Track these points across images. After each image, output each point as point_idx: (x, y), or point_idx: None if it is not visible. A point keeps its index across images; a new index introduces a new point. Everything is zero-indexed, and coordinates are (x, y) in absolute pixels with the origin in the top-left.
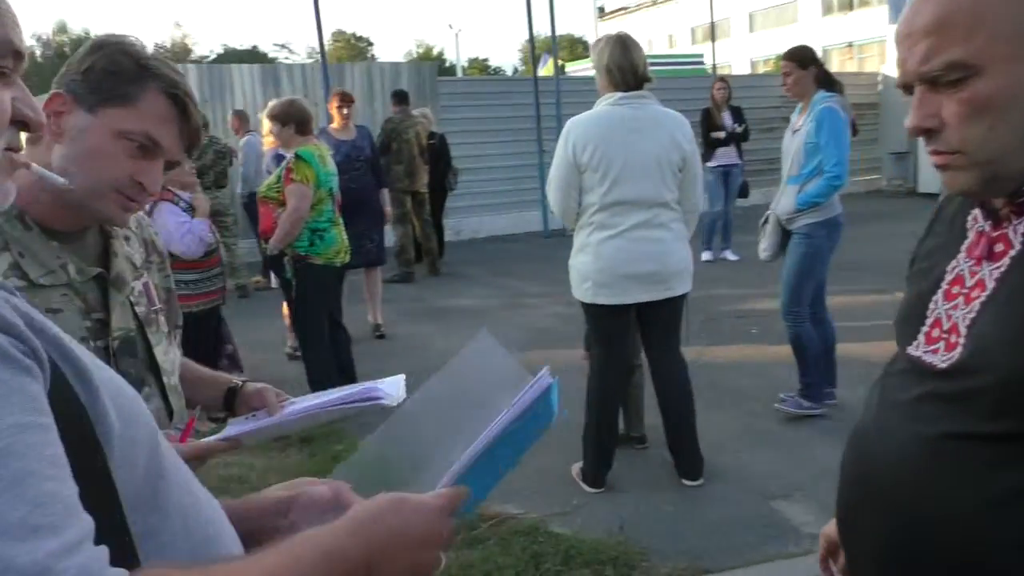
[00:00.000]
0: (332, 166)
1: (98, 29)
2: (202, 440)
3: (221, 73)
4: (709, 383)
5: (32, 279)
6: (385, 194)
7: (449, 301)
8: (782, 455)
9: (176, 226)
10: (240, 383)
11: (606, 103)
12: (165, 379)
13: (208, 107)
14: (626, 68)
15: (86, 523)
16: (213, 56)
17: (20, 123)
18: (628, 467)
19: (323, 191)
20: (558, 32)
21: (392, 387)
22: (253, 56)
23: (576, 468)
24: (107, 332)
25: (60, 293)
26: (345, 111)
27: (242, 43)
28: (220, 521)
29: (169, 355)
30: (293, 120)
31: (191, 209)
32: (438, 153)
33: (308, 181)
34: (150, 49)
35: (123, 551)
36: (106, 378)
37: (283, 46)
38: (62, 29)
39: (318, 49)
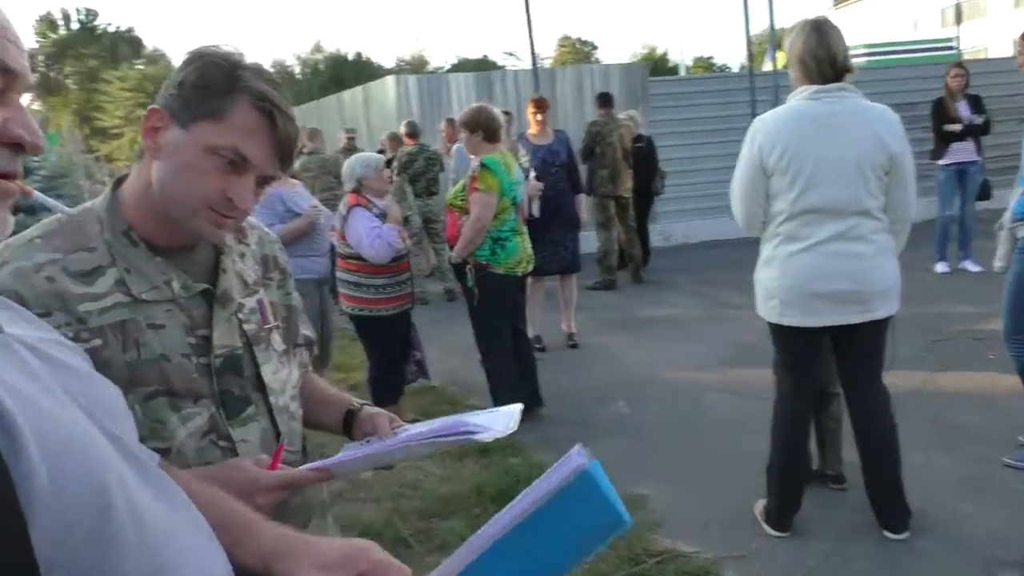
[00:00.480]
0: (518, 175)
1: (349, 47)
2: (293, 469)
3: (438, 83)
4: (931, 417)
5: (135, 295)
6: (582, 199)
7: (649, 310)
8: (1014, 513)
9: (367, 231)
10: (359, 406)
11: (798, 98)
12: (272, 399)
13: (426, 116)
14: (822, 58)
15: None
16: (447, 67)
17: (16, 146)
18: (820, 510)
19: (507, 200)
20: (787, 24)
21: (500, 419)
22: (482, 65)
23: (759, 506)
24: (210, 349)
25: (164, 309)
26: (540, 116)
27: (473, 53)
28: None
29: (280, 374)
30: (481, 127)
31: (383, 215)
32: (645, 156)
33: (492, 190)
34: (296, 60)
35: None
36: (47, 426)
37: (511, 54)
38: (317, 48)
39: (541, 56)
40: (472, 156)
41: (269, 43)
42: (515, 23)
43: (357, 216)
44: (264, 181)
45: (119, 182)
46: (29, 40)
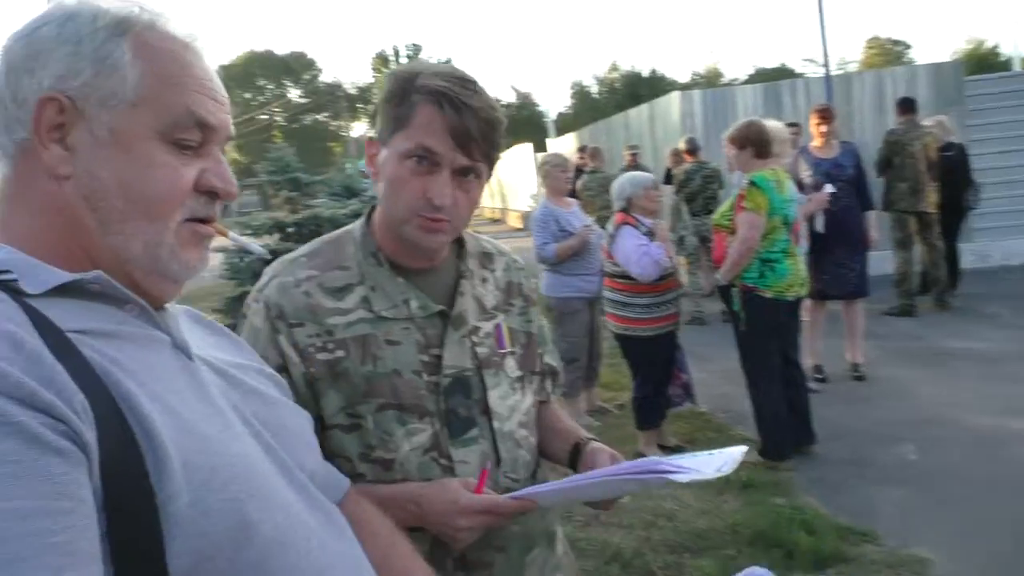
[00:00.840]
0: (791, 192)
1: (644, 65)
2: (496, 496)
3: (724, 96)
4: None
5: (376, 312)
6: (871, 217)
7: (954, 342)
8: None
9: (634, 248)
10: (585, 440)
11: None
12: (497, 424)
13: (711, 131)
14: None
15: None
16: (742, 79)
17: (212, 193)
18: None
19: (776, 219)
20: None
21: (716, 461)
22: (780, 74)
23: None
24: (440, 368)
25: (401, 327)
26: (824, 128)
27: (770, 63)
28: None
29: (508, 400)
30: (751, 143)
31: (651, 234)
32: (955, 167)
33: (760, 209)
34: (594, 80)
35: None
36: (198, 454)
37: (811, 61)
38: (614, 68)
39: (846, 60)
40: (741, 173)
41: (569, 65)
42: (815, 28)
43: (625, 234)
44: (463, 172)
45: (375, 207)
46: (366, 75)
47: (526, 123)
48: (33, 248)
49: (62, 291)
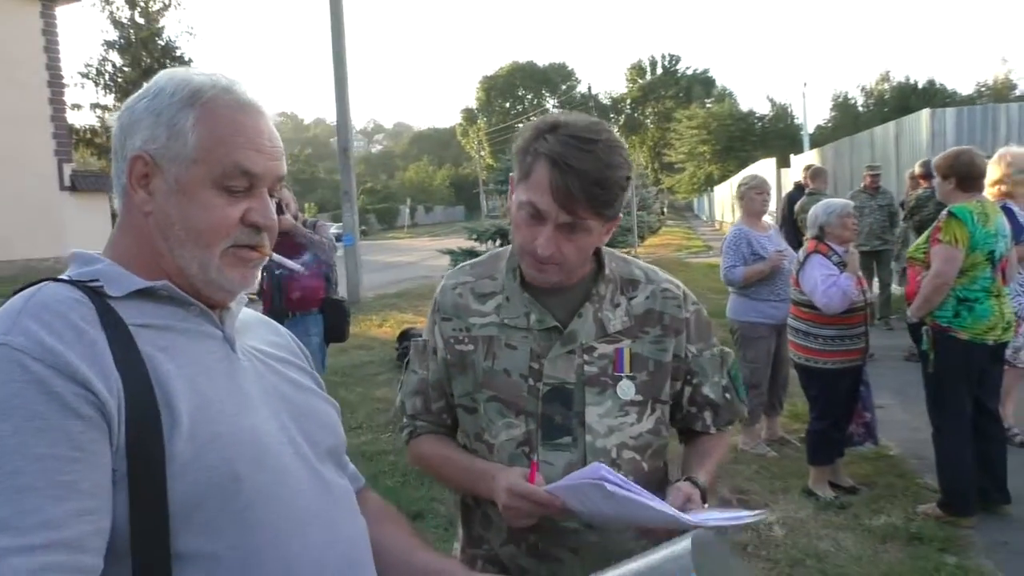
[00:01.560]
0: (999, 226)
1: (920, 75)
2: (535, 487)
3: (983, 115)
4: None
5: (503, 318)
6: None
7: None
8: None
9: (823, 278)
10: (688, 478)
11: None
12: (589, 438)
13: None
14: None
15: (58, 537)
16: None
17: (256, 226)
18: None
19: (979, 254)
20: None
21: (729, 519)
22: None
23: None
24: (542, 377)
25: (520, 335)
26: None
27: None
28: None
29: (611, 420)
30: (955, 173)
31: (843, 264)
32: None
33: (957, 243)
34: (860, 91)
35: (158, 572)
36: (205, 422)
37: None
38: (884, 78)
39: None
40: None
41: (833, 76)
42: None
43: (814, 263)
44: (567, 227)
45: None
46: (619, 86)
47: (779, 136)
48: (126, 262)
49: (142, 294)
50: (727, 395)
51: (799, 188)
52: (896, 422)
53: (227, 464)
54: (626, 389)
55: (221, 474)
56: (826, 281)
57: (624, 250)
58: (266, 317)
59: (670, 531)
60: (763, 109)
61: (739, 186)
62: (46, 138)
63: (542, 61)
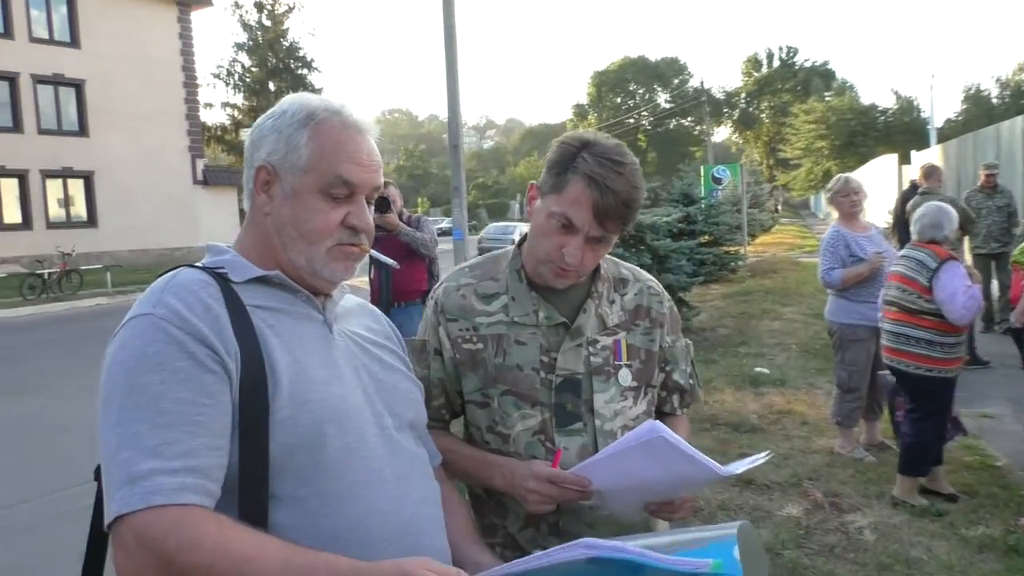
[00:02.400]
0: None
1: None
2: (559, 470)
3: None
4: None
5: (511, 317)
6: None
7: None
8: None
9: (964, 289)
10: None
11: None
12: (598, 422)
13: None
14: None
15: (194, 464)
16: None
17: (354, 228)
18: None
19: None
20: None
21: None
22: None
23: None
24: (554, 369)
25: (529, 331)
26: None
27: None
28: (373, 530)
29: (615, 405)
30: None
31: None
32: None
33: None
34: (995, 82)
35: (257, 507)
36: (303, 386)
37: None
38: (1022, 68)
39: None
40: None
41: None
42: None
43: (953, 272)
44: (597, 241)
45: (527, 235)
46: (733, 80)
47: (904, 131)
48: (248, 254)
49: (259, 281)
50: (691, 381)
51: (913, 187)
52: (1007, 432)
53: (316, 424)
54: (625, 376)
55: (311, 432)
56: (966, 292)
57: (732, 248)
58: (369, 305)
59: (673, 507)
60: (887, 102)
61: (829, 189)
62: (181, 135)
63: (654, 55)
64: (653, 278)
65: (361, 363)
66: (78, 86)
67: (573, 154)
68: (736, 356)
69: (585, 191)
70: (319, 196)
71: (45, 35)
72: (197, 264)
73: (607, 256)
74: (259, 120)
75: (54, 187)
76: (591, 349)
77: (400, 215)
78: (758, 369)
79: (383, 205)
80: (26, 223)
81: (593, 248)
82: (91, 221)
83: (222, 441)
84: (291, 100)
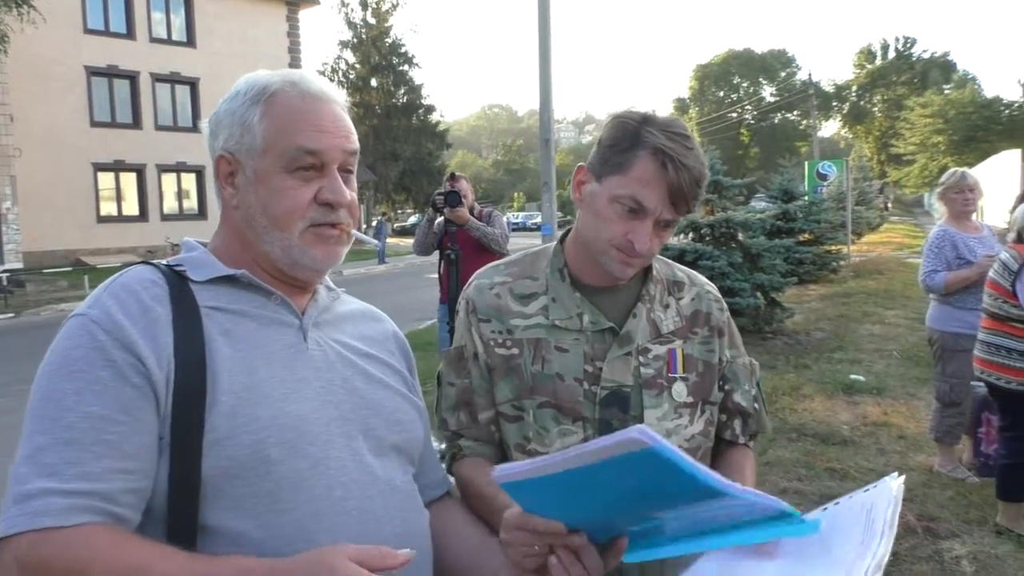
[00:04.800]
0: None
1: None
2: (532, 516)
3: None
4: None
5: (551, 320)
6: None
7: None
8: None
9: None
10: None
11: None
12: None
13: None
14: None
15: (91, 488)
16: None
17: (328, 204)
18: None
19: None
20: None
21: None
22: None
23: None
24: (599, 380)
25: (572, 337)
26: None
27: None
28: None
29: (667, 423)
30: None
31: None
32: None
33: None
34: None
35: (187, 538)
36: (246, 404)
37: None
38: None
39: None
40: None
41: None
42: None
43: None
44: (666, 224)
45: (569, 230)
46: (844, 72)
47: None
48: (219, 252)
49: (225, 280)
50: (756, 405)
51: None
52: None
53: (259, 445)
54: (680, 391)
55: (251, 455)
56: None
57: (835, 247)
58: (375, 311)
59: None
60: (1012, 95)
61: (939, 184)
62: None
63: (760, 48)
64: (710, 282)
65: (339, 376)
66: (193, 84)
67: (635, 129)
68: (830, 361)
69: (657, 171)
70: (284, 174)
71: (164, 36)
72: (158, 261)
73: (658, 256)
74: (217, 107)
75: (168, 181)
76: (641, 359)
77: (471, 209)
78: (853, 376)
79: (454, 199)
80: (143, 215)
81: (660, 233)
82: (202, 214)
83: (135, 463)
84: (244, 79)
